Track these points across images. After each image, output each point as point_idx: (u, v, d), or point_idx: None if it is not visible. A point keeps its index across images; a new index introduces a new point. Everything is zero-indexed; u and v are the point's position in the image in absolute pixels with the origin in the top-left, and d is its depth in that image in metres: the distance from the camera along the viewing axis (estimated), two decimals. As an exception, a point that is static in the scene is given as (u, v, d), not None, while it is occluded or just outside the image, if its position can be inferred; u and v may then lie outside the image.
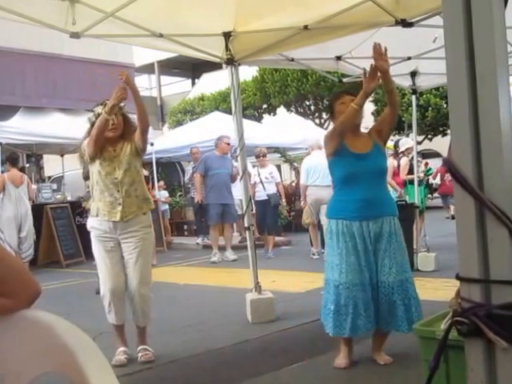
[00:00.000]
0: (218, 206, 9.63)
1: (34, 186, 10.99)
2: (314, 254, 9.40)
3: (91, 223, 4.36)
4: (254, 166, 10.77)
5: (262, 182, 10.19)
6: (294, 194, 13.84)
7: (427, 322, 2.69)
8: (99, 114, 4.18)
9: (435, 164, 13.87)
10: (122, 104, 4.22)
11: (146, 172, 7.70)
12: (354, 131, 3.85)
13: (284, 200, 10.86)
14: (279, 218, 11.67)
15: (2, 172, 9.76)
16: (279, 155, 15.95)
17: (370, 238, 3.74)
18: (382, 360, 3.87)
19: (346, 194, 3.81)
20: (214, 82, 24.10)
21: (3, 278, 1.58)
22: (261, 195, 10.16)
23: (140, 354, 4.30)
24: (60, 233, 10.33)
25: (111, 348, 4.14)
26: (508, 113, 1.26)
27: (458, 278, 1.30)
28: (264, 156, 10.43)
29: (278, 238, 11.30)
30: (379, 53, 3.58)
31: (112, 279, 4.24)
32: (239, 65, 5.55)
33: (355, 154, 3.79)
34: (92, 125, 4.24)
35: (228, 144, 9.74)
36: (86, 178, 8.03)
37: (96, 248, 4.29)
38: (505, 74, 1.27)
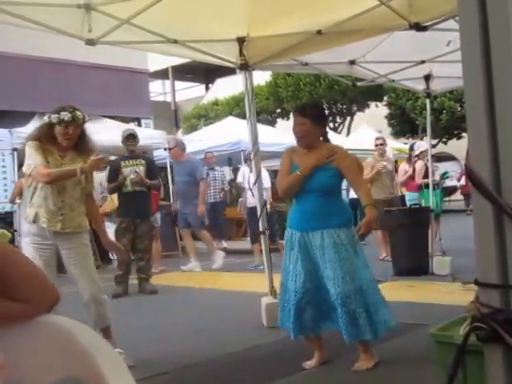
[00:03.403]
0: (182, 213, 9.50)
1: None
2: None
3: (29, 229, 4.19)
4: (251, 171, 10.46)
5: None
6: None
7: (443, 327, 2.68)
8: (51, 124, 4.03)
9: (449, 167, 13.82)
10: (80, 116, 4.05)
11: None
12: (308, 149, 3.94)
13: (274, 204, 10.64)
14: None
15: (19, 177, 9.81)
16: None
17: (313, 249, 3.82)
18: (354, 366, 3.87)
19: (294, 204, 4.03)
20: (227, 87, 24.13)
21: (23, 283, 1.60)
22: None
23: None
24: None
25: (128, 352, 4.14)
26: (526, 117, 1.25)
27: (476, 283, 1.29)
28: None
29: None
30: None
31: None
32: (253, 70, 5.56)
33: (299, 169, 3.92)
34: (47, 126, 4.06)
35: (171, 148, 9.41)
36: (114, 187, 7.58)
37: (31, 256, 3.95)
38: (522, 78, 1.26)
